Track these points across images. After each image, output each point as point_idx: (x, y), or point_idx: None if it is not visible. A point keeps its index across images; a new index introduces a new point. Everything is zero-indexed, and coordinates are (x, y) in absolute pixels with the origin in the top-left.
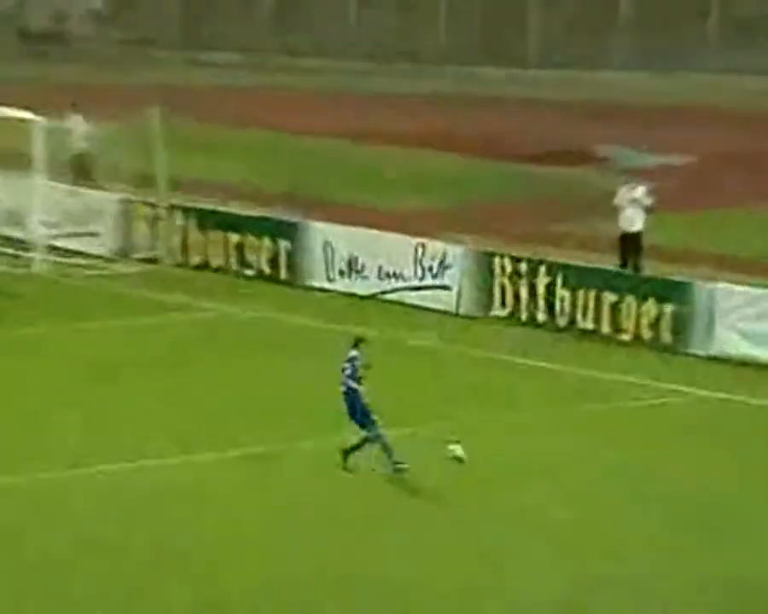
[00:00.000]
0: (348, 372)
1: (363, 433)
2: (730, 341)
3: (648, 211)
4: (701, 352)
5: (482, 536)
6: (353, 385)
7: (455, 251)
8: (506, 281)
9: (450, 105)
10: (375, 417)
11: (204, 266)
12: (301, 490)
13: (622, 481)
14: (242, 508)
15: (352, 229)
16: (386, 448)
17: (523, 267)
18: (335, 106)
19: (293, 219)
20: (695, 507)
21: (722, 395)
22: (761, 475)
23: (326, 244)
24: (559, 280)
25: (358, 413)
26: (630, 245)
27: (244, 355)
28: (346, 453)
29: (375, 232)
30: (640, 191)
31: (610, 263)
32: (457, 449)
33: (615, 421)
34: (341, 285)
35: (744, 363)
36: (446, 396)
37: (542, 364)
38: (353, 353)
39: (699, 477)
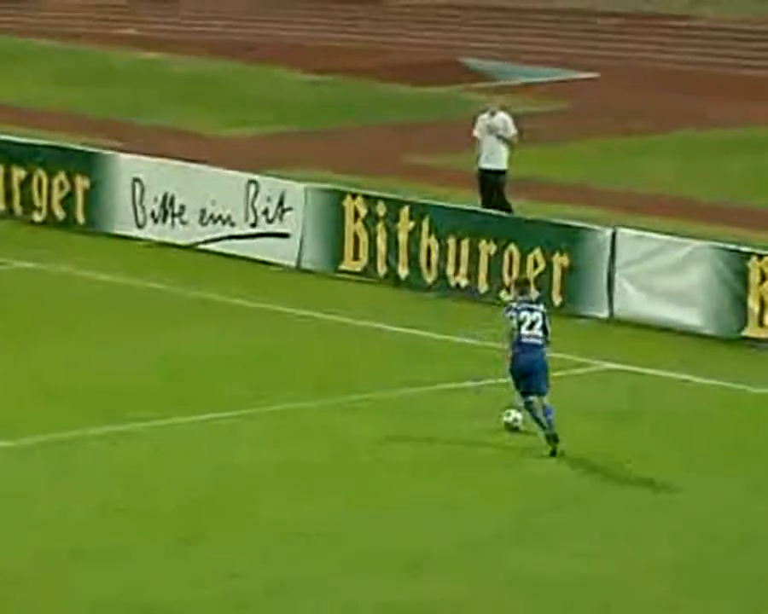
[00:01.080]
0: (532, 325)
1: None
2: (634, 300)
3: (510, 144)
4: (599, 314)
5: None
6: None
7: (295, 190)
8: (359, 228)
9: (285, 9)
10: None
11: None
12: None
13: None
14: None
15: (167, 162)
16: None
17: (380, 209)
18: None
19: (93, 149)
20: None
21: (626, 366)
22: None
23: (134, 181)
24: (425, 226)
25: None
26: (490, 186)
27: (33, 325)
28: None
29: (195, 166)
30: (499, 119)
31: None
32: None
33: (494, 402)
34: (154, 232)
35: (652, 327)
36: (283, 373)
37: (405, 331)
38: (525, 297)
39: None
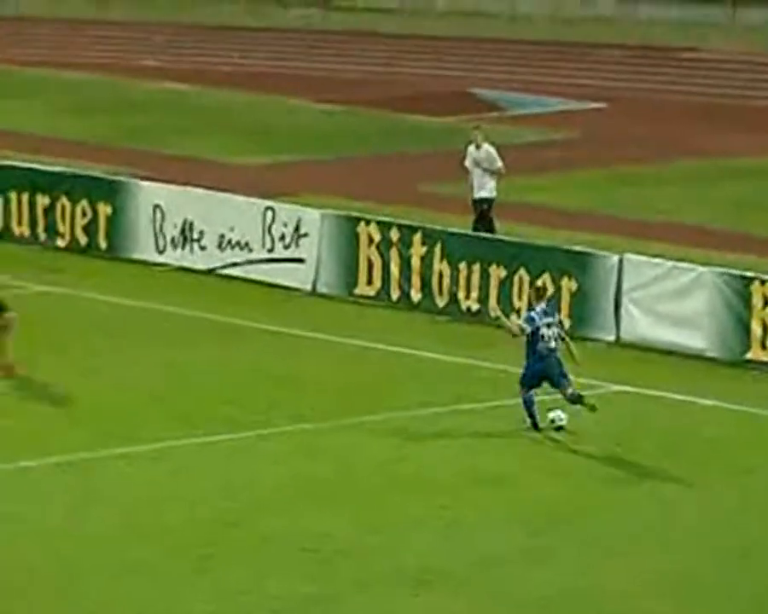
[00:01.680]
0: (552, 328)
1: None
2: (641, 324)
3: (496, 174)
4: (606, 337)
5: None
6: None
7: (311, 217)
8: (373, 253)
9: (301, 41)
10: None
11: (3, 234)
12: None
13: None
14: None
15: (187, 189)
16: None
17: (394, 235)
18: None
19: (115, 177)
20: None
21: (632, 388)
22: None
23: (155, 207)
24: (437, 252)
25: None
26: (480, 212)
27: (53, 347)
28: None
29: (214, 193)
30: (484, 151)
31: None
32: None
33: (500, 423)
34: (173, 257)
35: (658, 350)
36: (297, 395)
37: (418, 353)
38: (543, 306)
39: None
